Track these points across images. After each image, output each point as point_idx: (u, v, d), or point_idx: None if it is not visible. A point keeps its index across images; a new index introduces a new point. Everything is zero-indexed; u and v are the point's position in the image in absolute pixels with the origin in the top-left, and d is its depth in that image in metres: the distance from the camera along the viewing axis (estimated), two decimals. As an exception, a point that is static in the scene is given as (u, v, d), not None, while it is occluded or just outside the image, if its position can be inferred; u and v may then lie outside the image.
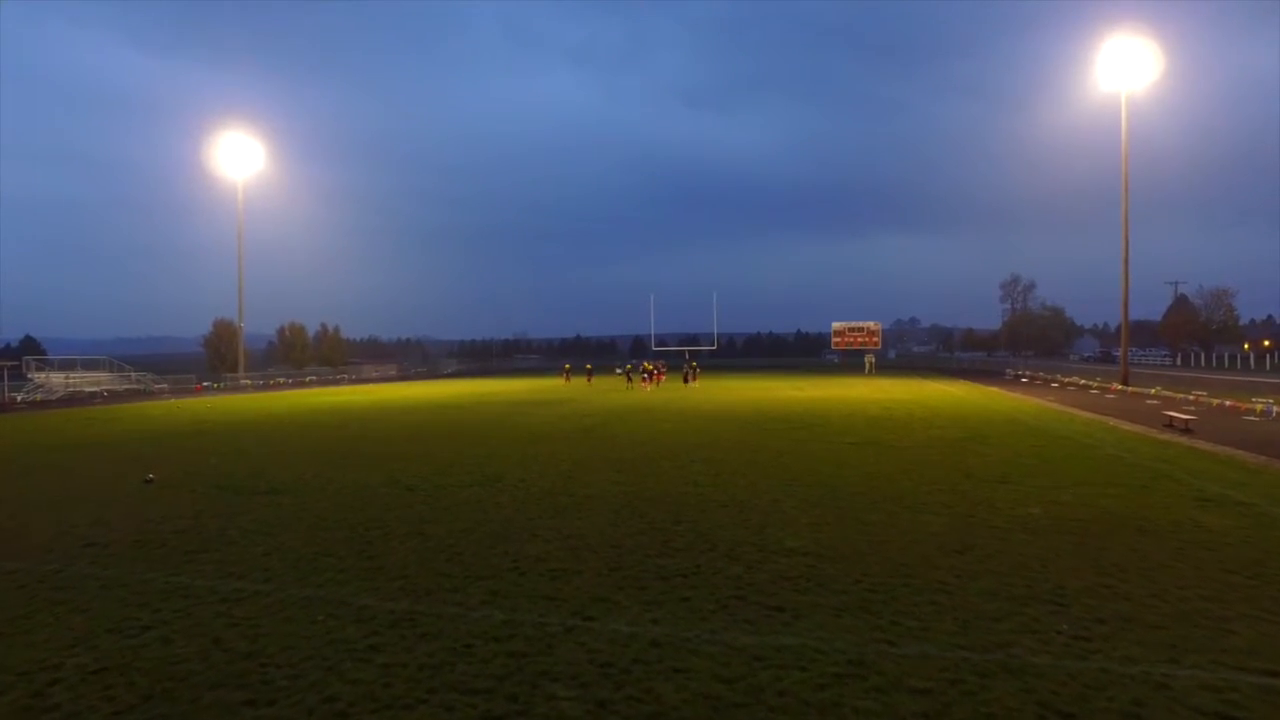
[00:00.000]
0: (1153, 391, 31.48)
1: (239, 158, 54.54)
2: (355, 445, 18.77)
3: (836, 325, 68.78)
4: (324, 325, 75.37)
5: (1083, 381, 40.31)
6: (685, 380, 42.50)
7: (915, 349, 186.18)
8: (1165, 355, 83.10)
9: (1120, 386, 35.23)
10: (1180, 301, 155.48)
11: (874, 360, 65.72)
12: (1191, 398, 26.89)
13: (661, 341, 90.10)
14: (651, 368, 43.95)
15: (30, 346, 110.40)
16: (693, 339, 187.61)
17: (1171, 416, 21.19)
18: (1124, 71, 38.84)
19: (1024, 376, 51.91)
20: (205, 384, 48.18)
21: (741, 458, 15.96)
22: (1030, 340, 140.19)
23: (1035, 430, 20.72)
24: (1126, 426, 21.39)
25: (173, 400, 39.08)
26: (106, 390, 43.94)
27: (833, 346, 68.87)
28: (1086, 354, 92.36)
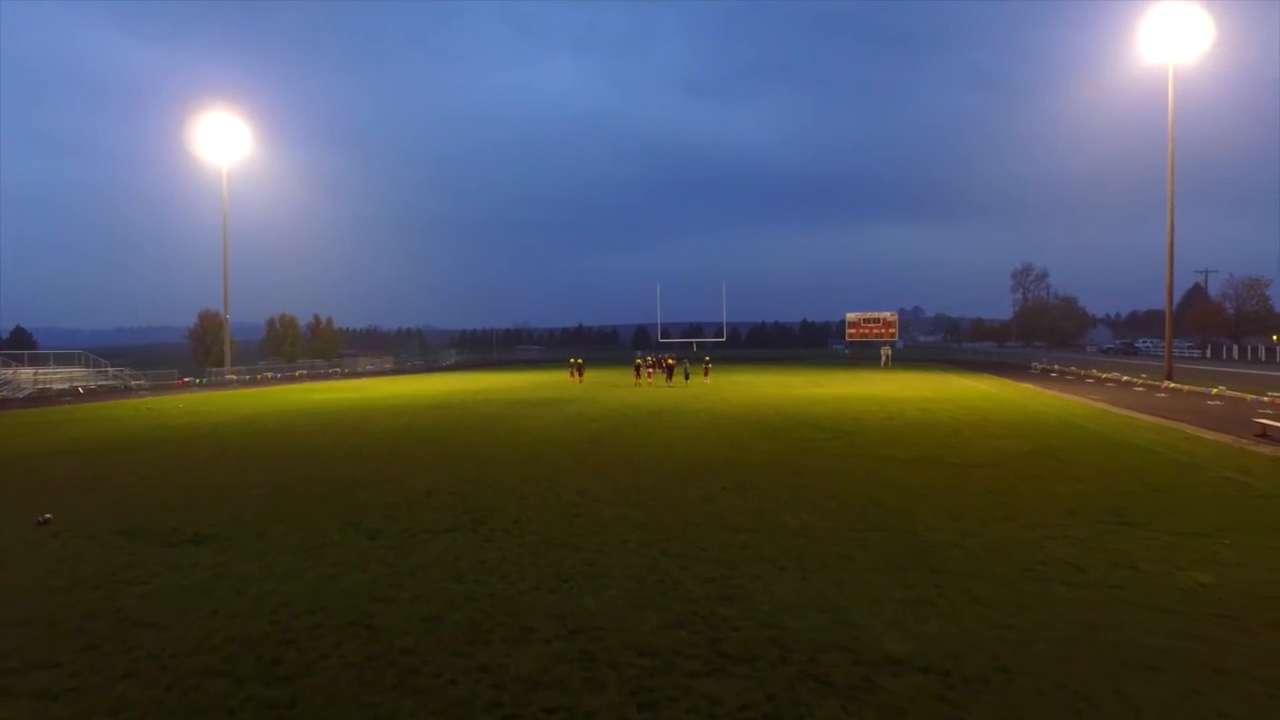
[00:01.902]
0: (1214, 391, 28.66)
1: (226, 143, 51.66)
2: (322, 463, 16.04)
3: (851, 316, 65.80)
4: (316, 317, 72.56)
5: (1125, 378, 37.50)
6: (685, 376, 39.54)
7: (921, 339, 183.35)
8: (1189, 346, 79.95)
9: (1171, 384, 32.41)
10: (1196, 291, 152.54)
11: (890, 352, 62.83)
12: (1266, 399, 24.09)
13: (665, 332, 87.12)
14: (673, 361, 41.07)
15: (21, 338, 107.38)
16: (697, 329, 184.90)
17: (1265, 425, 18.40)
18: (1170, 42, 35.79)
19: (1052, 371, 49.06)
20: (187, 380, 45.48)
21: (781, 482, 13.23)
22: (1042, 331, 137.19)
23: (1109, 441, 17.96)
24: (1210, 436, 18.64)
25: (147, 399, 36.42)
26: (82, 387, 41.29)
27: (847, 338, 65.91)
28: (1106, 346, 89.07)
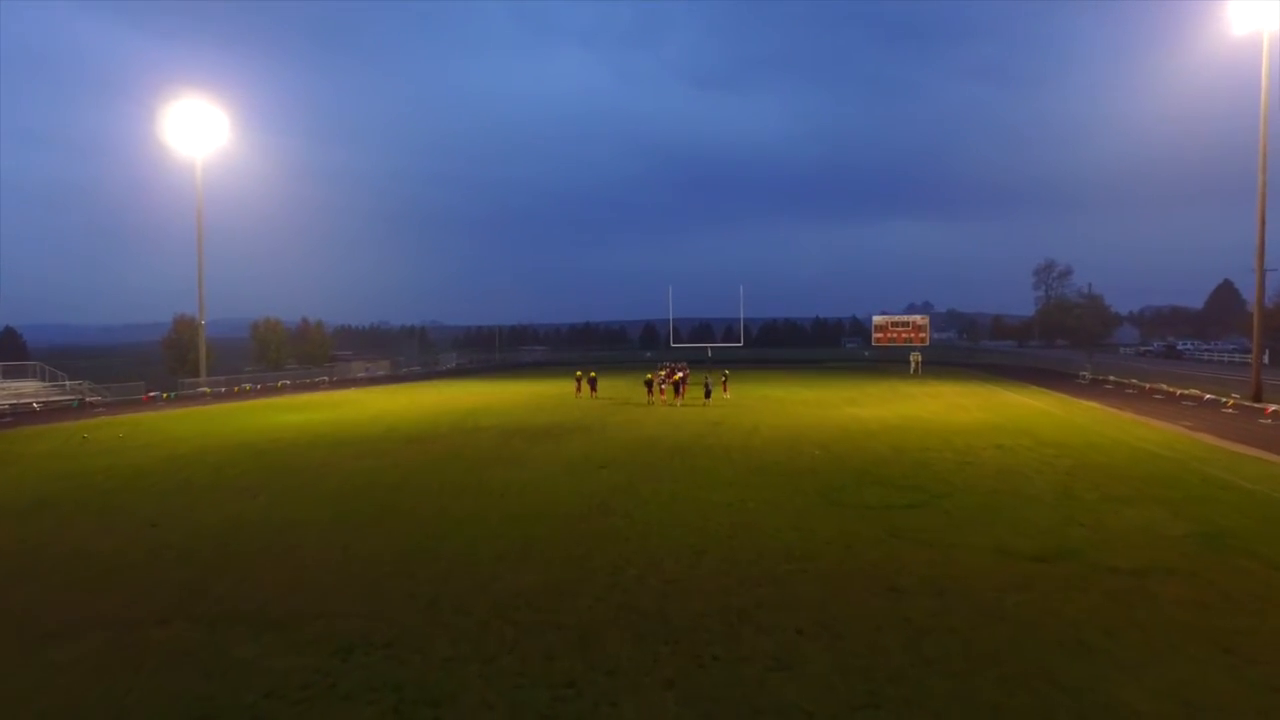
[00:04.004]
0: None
1: (200, 132, 47.40)
2: (222, 563, 11.74)
3: (878, 319, 61.14)
4: (305, 319, 68.08)
5: (1207, 396, 32.86)
6: (707, 393, 34.93)
7: (935, 336, 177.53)
8: (1232, 350, 74.72)
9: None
10: (1226, 288, 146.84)
11: (920, 358, 58.23)
12: None
13: (676, 333, 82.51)
14: (679, 377, 36.51)
15: (11, 341, 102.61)
16: (706, 326, 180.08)
17: None
18: (1261, 7, 31.08)
19: (1106, 381, 44.37)
20: (154, 394, 41.21)
21: (880, 613, 8.84)
22: (1067, 330, 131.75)
23: (1291, 515, 13.46)
24: None
25: (101, 418, 32.29)
26: (37, 403, 37.21)
27: (873, 342, 61.30)
28: (1144, 348, 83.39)
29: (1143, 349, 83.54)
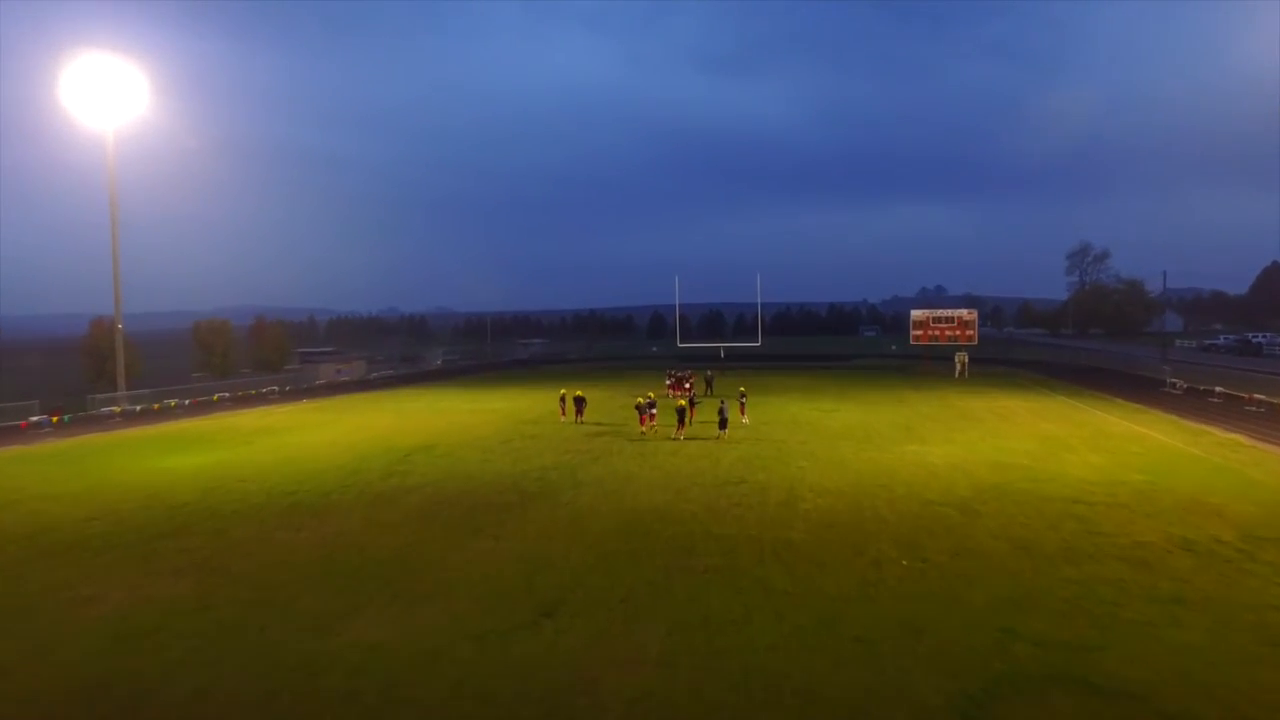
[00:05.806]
0: None
1: (102, 101, 39.59)
2: None
3: (916, 314, 52.82)
4: (259, 318, 59.84)
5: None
6: (721, 424, 26.75)
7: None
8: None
9: None
10: (1274, 270, 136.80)
11: (966, 359, 50.01)
12: None
13: (684, 319, 74.29)
14: (684, 402, 28.59)
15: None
16: (717, 314, 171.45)
17: None
18: None
19: (1211, 394, 36.00)
20: (38, 419, 33.35)
21: None
22: (1104, 318, 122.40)
23: None
24: None
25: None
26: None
27: (912, 340, 53.02)
28: (1210, 341, 74.06)
29: (1207, 343, 74.47)
